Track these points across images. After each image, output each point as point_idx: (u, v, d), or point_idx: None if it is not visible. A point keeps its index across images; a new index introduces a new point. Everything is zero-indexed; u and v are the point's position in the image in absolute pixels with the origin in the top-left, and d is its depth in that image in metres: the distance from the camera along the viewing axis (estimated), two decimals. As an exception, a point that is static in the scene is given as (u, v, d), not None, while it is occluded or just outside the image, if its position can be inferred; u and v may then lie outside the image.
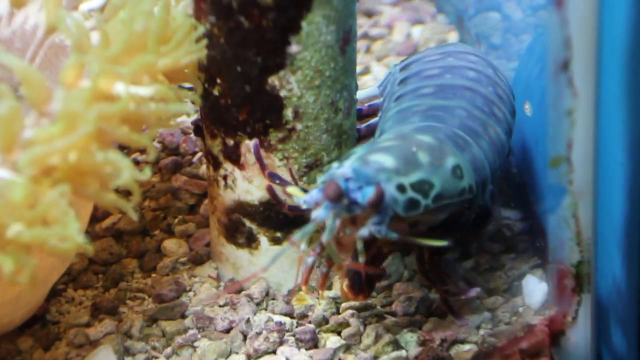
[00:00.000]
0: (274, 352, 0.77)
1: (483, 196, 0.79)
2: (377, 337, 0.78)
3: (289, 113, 0.78)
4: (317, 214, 0.69)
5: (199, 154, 0.99)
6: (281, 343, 0.78)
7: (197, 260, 0.88)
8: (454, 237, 0.73)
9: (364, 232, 0.69)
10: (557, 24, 0.70)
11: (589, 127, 0.72)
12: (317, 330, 0.79)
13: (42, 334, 0.80)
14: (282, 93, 0.77)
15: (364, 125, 0.88)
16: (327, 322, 0.80)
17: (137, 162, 0.98)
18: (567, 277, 0.78)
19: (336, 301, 0.82)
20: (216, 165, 0.82)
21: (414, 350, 0.77)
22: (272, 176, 0.78)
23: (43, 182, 0.64)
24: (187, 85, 0.78)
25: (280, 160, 0.79)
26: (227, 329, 0.80)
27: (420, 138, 0.75)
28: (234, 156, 0.80)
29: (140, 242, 0.90)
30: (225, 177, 0.82)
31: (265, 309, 0.82)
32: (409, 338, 0.78)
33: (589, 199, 0.74)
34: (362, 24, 1.22)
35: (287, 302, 0.82)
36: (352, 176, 0.70)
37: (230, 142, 0.80)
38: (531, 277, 0.83)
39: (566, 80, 0.71)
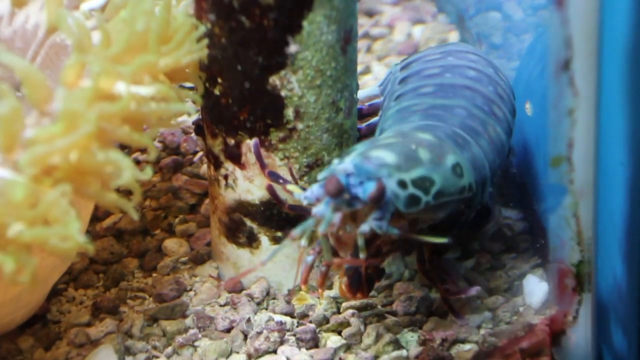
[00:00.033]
0: (275, 351, 0.77)
1: (482, 195, 0.79)
2: (378, 337, 0.78)
3: (289, 112, 0.78)
4: (318, 209, 0.69)
5: (200, 154, 0.99)
6: (282, 343, 0.77)
7: (198, 259, 0.88)
8: (453, 235, 0.74)
9: (365, 227, 0.69)
10: (558, 24, 0.70)
11: (590, 126, 0.72)
12: (317, 330, 0.79)
13: (42, 334, 0.80)
14: (283, 92, 0.77)
15: (364, 124, 0.88)
16: (327, 321, 0.80)
17: (138, 162, 0.98)
18: (567, 276, 0.78)
19: (337, 301, 0.81)
20: (217, 164, 0.82)
21: (414, 349, 0.77)
22: (273, 175, 0.78)
23: (44, 182, 0.64)
24: (188, 84, 0.78)
25: (281, 159, 0.79)
26: (228, 328, 0.80)
27: (420, 136, 0.75)
28: (235, 156, 0.80)
29: (141, 241, 0.90)
30: (226, 177, 0.82)
31: (266, 309, 0.82)
32: (410, 337, 0.78)
33: (589, 198, 0.74)
34: (363, 24, 1.22)
35: (288, 302, 0.82)
36: (354, 171, 0.69)
37: (231, 141, 0.80)
38: (532, 277, 0.83)
39: (567, 79, 0.71)
